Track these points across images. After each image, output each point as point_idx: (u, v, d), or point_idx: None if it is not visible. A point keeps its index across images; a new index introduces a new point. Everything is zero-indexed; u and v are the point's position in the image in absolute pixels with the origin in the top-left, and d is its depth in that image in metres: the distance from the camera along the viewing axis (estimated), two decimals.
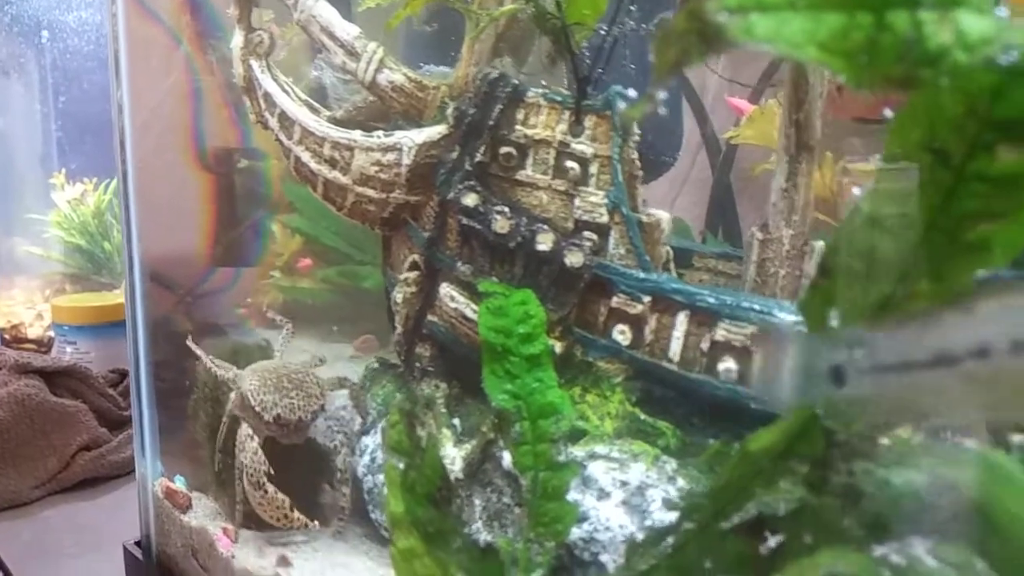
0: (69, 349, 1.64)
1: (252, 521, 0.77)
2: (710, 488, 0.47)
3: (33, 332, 1.86)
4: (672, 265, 0.71)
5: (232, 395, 0.81)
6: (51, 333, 1.73)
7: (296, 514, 0.75)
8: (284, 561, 0.71)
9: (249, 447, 0.75)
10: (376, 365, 0.79)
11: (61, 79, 2.41)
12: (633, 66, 0.68)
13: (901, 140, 0.39)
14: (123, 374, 1.53)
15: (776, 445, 0.44)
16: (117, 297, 1.71)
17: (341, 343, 1.05)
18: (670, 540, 0.49)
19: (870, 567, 0.41)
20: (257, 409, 0.75)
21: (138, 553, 0.94)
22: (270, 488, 0.75)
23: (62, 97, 2.42)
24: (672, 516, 0.54)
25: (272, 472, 0.75)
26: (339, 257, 1.15)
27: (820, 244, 0.69)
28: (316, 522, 0.75)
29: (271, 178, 1.18)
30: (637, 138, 0.69)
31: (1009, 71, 0.34)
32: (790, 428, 0.44)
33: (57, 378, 1.43)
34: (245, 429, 0.77)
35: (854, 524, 0.44)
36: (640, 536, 0.54)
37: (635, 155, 0.69)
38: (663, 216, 0.66)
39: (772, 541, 0.47)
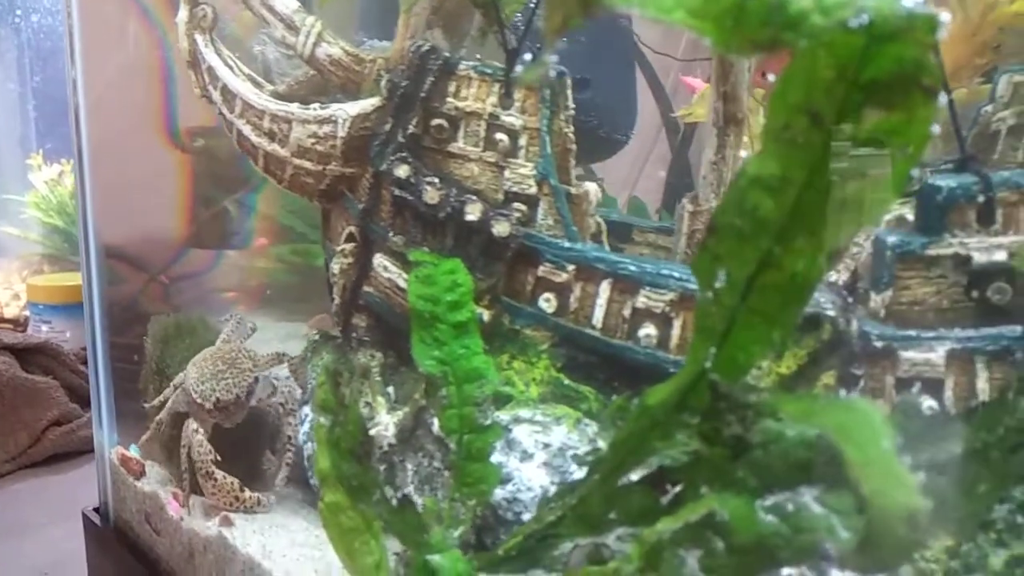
0: (44, 328, 1.66)
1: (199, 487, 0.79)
2: (611, 441, 0.49)
3: (9, 312, 1.86)
4: (604, 237, 0.72)
5: (174, 396, 0.83)
6: (27, 312, 1.74)
7: (247, 493, 0.77)
8: (226, 521, 0.73)
9: (195, 440, 0.77)
10: (317, 337, 0.80)
11: (36, 59, 2.40)
12: (564, 40, 0.69)
13: (781, 103, 0.41)
14: None
15: (671, 398, 0.46)
16: None
17: (297, 321, 1.07)
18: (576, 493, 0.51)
19: (749, 511, 0.43)
20: (199, 401, 0.77)
21: (96, 519, 0.97)
22: (219, 475, 0.77)
23: (37, 77, 2.41)
24: None
25: (219, 459, 0.77)
26: (294, 236, 1.16)
27: None
28: (271, 496, 0.77)
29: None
30: (571, 112, 0.71)
31: (873, 35, 0.35)
32: (683, 382, 0.46)
33: (29, 355, 1.44)
34: (191, 424, 0.79)
35: (748, 474, 0.46)
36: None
37: (568, 128, 0.70)
38: (591, 188, 0.68)
39: (673, 492, 0.49)
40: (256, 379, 0.77)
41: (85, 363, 1.51)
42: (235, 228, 1.23)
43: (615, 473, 0.49)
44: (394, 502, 0.57)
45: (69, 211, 2.18)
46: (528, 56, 0.67)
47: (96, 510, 0.98)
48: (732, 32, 0.37)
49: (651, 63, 1.32)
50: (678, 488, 0.49)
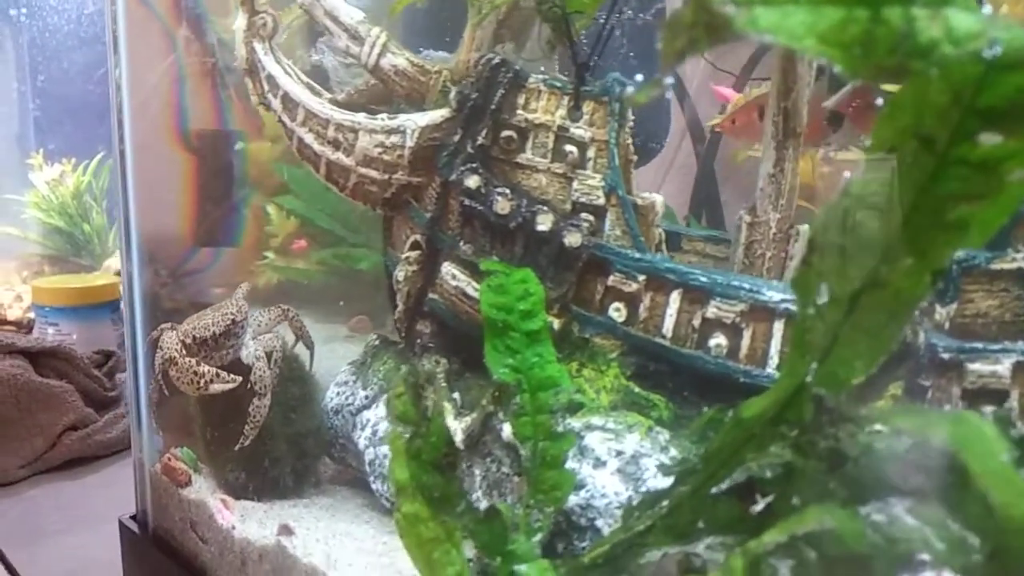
0: (51, 331, 1.63)
1: (247, 492, 0.79)
2: (704, 453, 0.50)
3: (12, 314, 1.84)
4: (664, 247, 0.73)
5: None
6: (31, 315, 1.71)
7: (203, 368, 0.76)
8: (286, 530, 0.73)
9: (166, 336, 0.78)
10: (376, 342, 0.81)
11: (39, 58, 2.37)
12: (631, 54, 0.71)
13: (890, 127, 0.42)
14: (107, 355, 1.53)
15: (767, 411, 0.47)
16: (99, 279, 1.70)
17: (336, 323, 1.07)
18: (665, 503, 0.52)
19: (856, 522, 0.44)
20: (181, 337, 0.78)
21: (134, 527, 0.96)
22: (180, 360, 0.76)
23: (40, 76, 2.38)
24: (665, 483, 0.57)
25: (184, 353, 0.77)
26: (333, 239, 1.16)
27: (805, 227, 0.72)
28: (232, 377, 0.76)
29: (255, 160, 1.19)
30: (632, 124, 0.72)
31: (992, 63, 0.37)
32: (780, 395, 0.47)
33: (42, 359, 1.42)
34: (167, 332, 0.80)
35: (839, 486, 0.47)
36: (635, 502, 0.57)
37: (630, 140, 0.71)
38: (657, 199, 0.69)
39: (762, 503, 0.50)
40: (237, 321, 0.77)
41: (97, 367, 1.50)
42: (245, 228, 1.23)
43: (706, 484, 0.50)
44: (465, 504, 0.58)
45: (71, 212, 2.16)
46: (593, 70, 0.68)
47: (133, 517, 0.97)
48: (860, 59, 0.38)
49: (675, 70, 1.33)
50: (767, 499, 0.50)
